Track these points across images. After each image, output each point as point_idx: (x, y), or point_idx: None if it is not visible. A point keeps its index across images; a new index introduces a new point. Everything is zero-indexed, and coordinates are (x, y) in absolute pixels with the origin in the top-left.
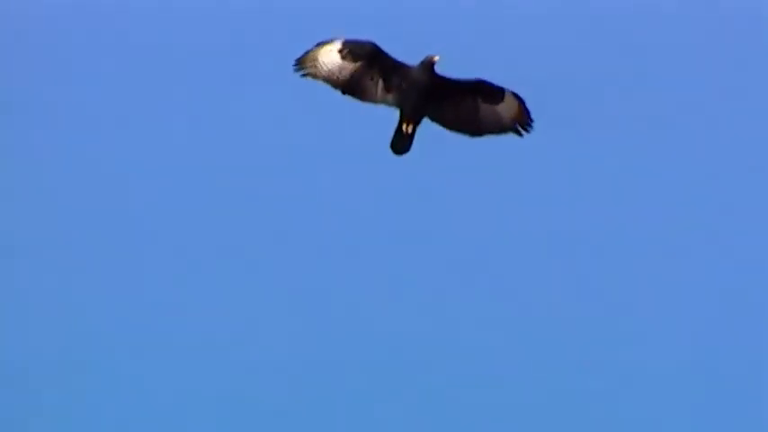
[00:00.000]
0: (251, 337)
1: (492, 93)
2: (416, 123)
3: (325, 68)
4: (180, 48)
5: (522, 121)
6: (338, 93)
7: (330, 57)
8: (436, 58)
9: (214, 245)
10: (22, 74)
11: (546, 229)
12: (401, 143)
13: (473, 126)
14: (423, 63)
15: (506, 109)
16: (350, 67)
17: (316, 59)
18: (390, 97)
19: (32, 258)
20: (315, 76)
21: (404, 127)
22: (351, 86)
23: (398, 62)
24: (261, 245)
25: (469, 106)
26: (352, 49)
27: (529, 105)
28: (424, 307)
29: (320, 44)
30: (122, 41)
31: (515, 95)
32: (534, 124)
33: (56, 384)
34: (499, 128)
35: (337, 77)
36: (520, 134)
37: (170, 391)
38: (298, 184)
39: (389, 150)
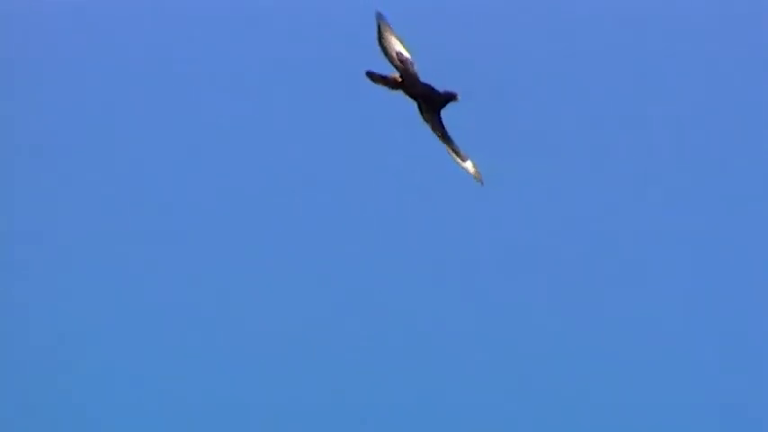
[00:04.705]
0: (248, 336)
1: (456, 151)
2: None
3: (383, 45)
4: (182, 48)
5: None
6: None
7: (391, 49)
8: (458, 98)
9: (213, 244)
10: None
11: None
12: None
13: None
14: (449, 92)
15: (464, 166)
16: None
17: (386, 38)
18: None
19: (29, 257)
20: (380, 39)
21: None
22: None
23: (426, 85)
24: (259, 243)
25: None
26: (401, 63)
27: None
28: (423, 307)
29: (400, 40)
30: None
31: (476, 169)
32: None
33: (53, 384)
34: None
35: (387, 52)
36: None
37: (168, 390)
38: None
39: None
